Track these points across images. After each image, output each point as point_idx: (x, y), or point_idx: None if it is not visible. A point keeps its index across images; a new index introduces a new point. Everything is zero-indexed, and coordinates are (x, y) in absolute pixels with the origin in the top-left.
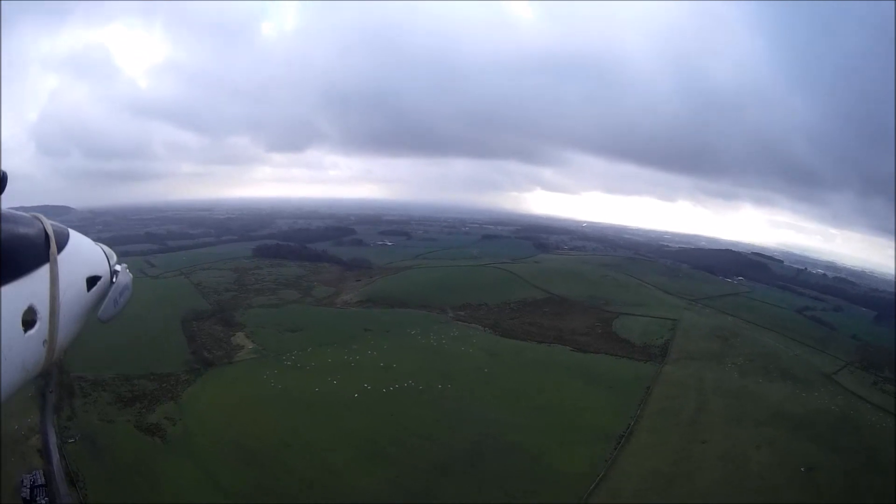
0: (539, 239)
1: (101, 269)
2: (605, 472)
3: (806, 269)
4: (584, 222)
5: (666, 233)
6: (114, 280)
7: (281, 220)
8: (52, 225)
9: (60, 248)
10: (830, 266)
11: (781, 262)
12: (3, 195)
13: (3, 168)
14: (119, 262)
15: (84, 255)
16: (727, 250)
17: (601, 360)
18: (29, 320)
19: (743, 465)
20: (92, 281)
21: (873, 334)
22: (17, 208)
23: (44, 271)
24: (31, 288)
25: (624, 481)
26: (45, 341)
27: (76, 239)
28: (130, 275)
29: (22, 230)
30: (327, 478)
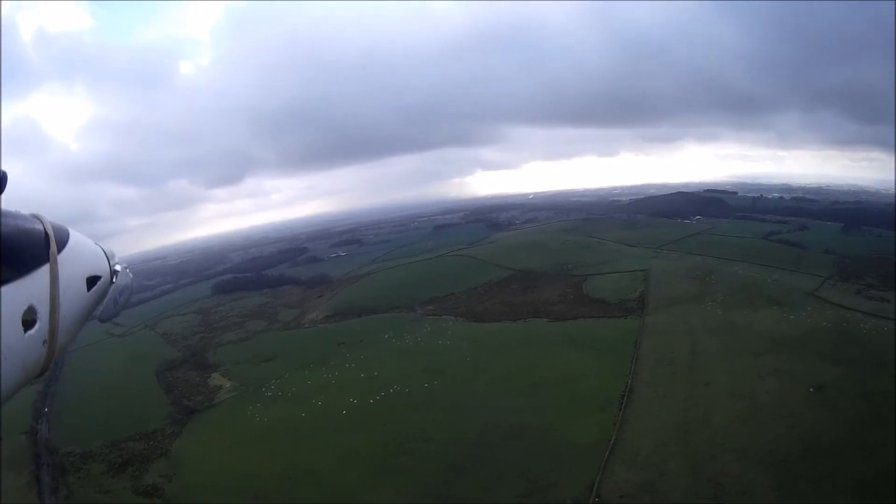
0: (490, 219)
1: (102, 268)
2: (617, 436)
3: (761, 195)
4: (531, 194)
5: (614, 188)
6: (114, 280)
7: (234, 254)
8: (52, 224)
9: (60, 247)
10: (785, 188)
11: (735, 193)
12: (2, 195)
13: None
14: (119, 262)
15: (84, 255)
16: (679, 193)
17: (581, 325)
18: (29, 320)
19: (754, 398)
20: (92, 281)
21: (845, 245)
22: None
23: (44, 271)
24: (31, 288)
25: (639, 440)
26: (45, 341)
27: (76, 239)
28: (131, 275)
29: (22, 230)
30: (338, 501)
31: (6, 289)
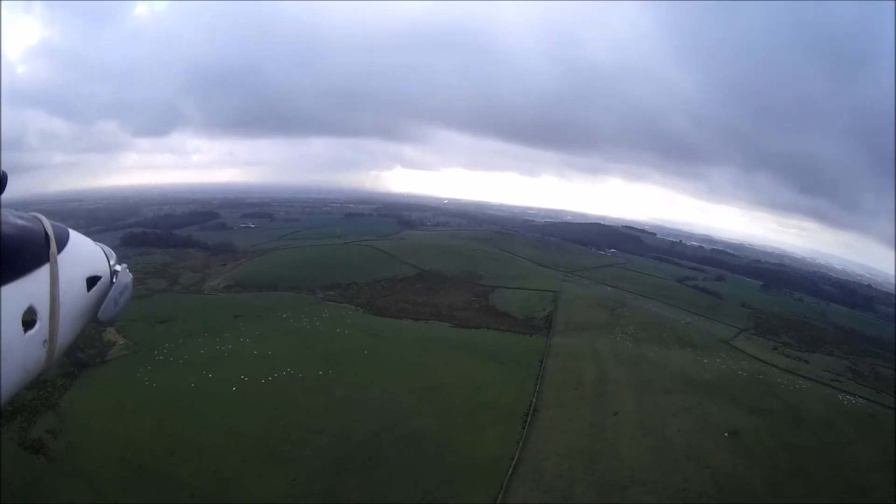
0: (402, 216)
1: (101, 269)
2: (520, 454)
3: (681, 241)
4: (446, 199)
5: (530, 208)
6: (114, 280)
7: (147, 208)
8: (52, 225)
9: (60, 248)
10: (706, 239)
11: (654, 234)
12: (2, 195)
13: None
14: (119, 262)
15: (84, 255)
16: (596, 223)
17: (485, 335)
18: (29, 320)
19: (664, 434)
20: (92, 281)
21: (763, 302)
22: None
23: (44, 271)
24: (31, 288)
25: (543, 461)
26: (45, 341)
27: (76, 239)
28: (131, 275)
29: (22, 230)
30: (222, 487)
31: (6, 289)
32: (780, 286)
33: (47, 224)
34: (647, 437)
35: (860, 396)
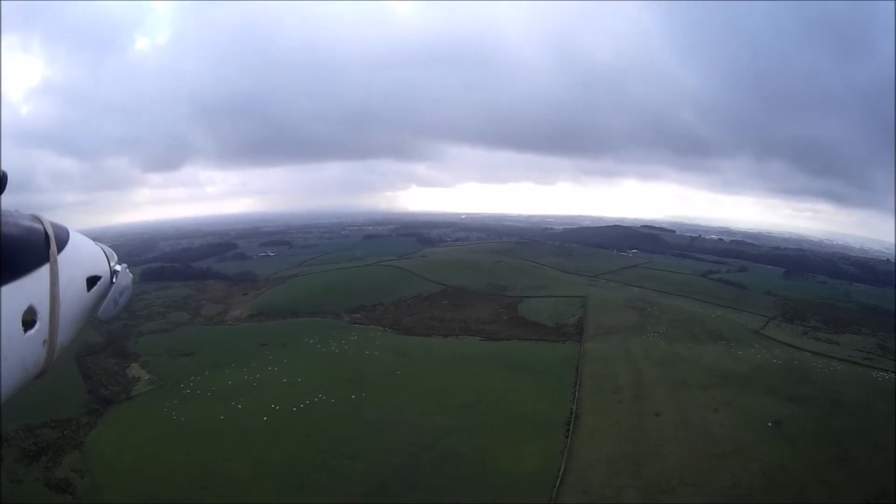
0: (421, 234)
1: (102, 268)
2: (565, 465)
3: (700, 235)
4: (463, 214)
5: (548, 216)
6: (114, 280)
7: (164, 242)
8: (52, 224)
9: (60, 247)
10: (725, 231)
11: (673, 231)
12: (2, 195)
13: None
14: (119, 263)
15: (84, 255)
16: (615, 226)
17: (516, 346)
18: (29, 320)
19: (706, 431)
20: (92, 281)
21: (787, 288)
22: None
23: (44, 271)
24: (31, 288)
25: (588, 470)
26: (45, 341)
27: (76, 239)
28: (131, 275)
29: (22, 230)
30: None
31: (6, 289)
32: (801, 271)
33: (47, 224)
34: (691, 436)
35: (893, 372)
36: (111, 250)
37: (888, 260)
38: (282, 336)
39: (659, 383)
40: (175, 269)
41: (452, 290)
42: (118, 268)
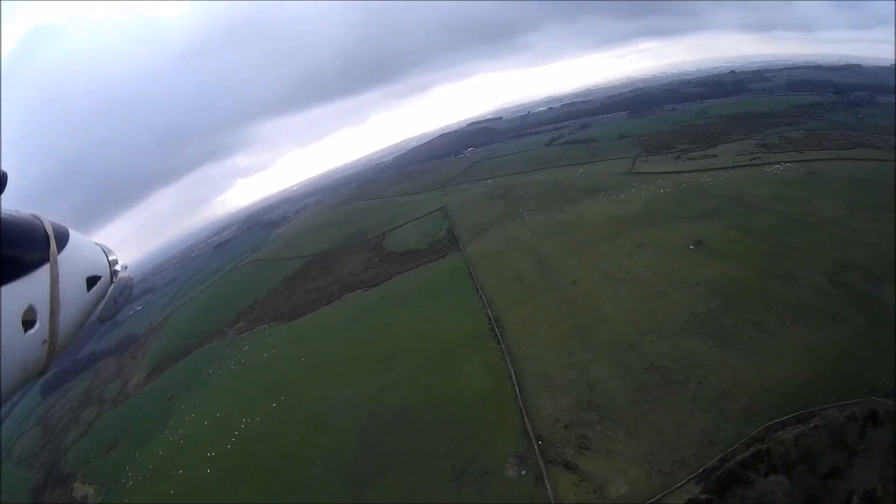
0: (264, 221)
1: (101, 268)
2: (515, 370)
3: (528, 112)
4: (295, 185)
5: (375, 153)
6: (114, 280)
7: None
8: (52, 224)
9: (60, 247)
10: (551, 100)
11: (500, 118)
12: (2, 195)
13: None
14: (119, 262)
15: (84, 255)
16: (442, 135)
17: (401, 280)
18: (29, 320)
19: (633, 277)
20: (92, 281)
21: (638, 127)
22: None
23: (44, 271)
24: (31, 288)
25: (540, 363)
26: (45, 341)
27: (76, 238)
28: (131, 275)
29: (22, 230)
30: None
31: (6, 289)
32: (645, 108)
33: (47, 223)
34: (621, 288)
35: (784, 163)
36: (111, 249)
37: (732, 70)
38: (183, 380)
39: (558, 254)
40: (64, 370)
41: (316, 258)
42: (118, 267)
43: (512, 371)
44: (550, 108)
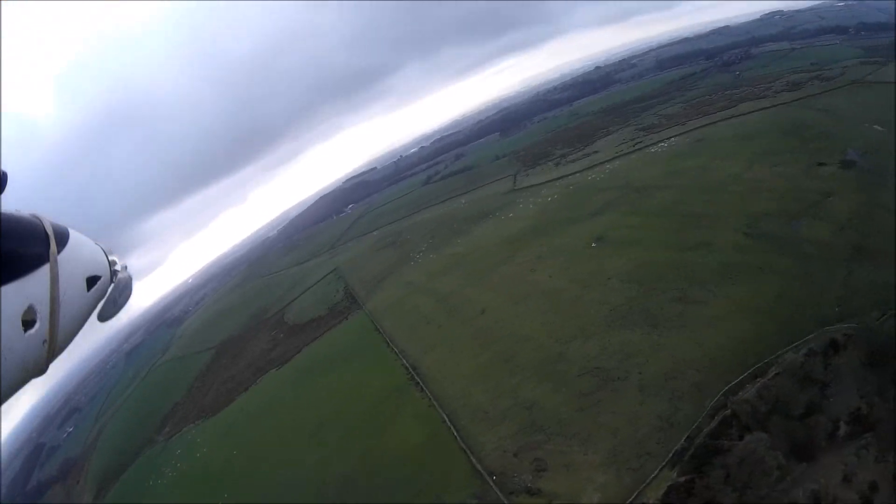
0: (166, 320)
1: (101, 268)
2: (446, 413)
3: (400, 156)
4: (189, 278)
5: (260, 229)
6: (114, 280)
7: None
8: (52, 224)
9: (60, 247)
10: (422, 138)
11: (374, 168)
12: (2, 195)
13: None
14: (120, 262)
15: (84, 255)
16: (320, 198)
17: (312, 351)
18: (29, 320)
19: (541, 290)
20: (92, 280)
21: (512, 145)
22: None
23: (44, 271)
24: (31, 288)
25: (470, 399)
26: (45, 341)
27: (76, 238)
28: (131, 275)
29: (22, 230)
30: None
31: (6, 289)
32: (515, 126)
33: (47, 223)
34: (531, 304)
35: (669, 138)
36: (111, 250)
37: (597, 66)
38: (130, 498)
39: (460, 288)
40: None
41: (223, 346)
42: (118, 267)
43: (444, 415)
44: (422, 147)
